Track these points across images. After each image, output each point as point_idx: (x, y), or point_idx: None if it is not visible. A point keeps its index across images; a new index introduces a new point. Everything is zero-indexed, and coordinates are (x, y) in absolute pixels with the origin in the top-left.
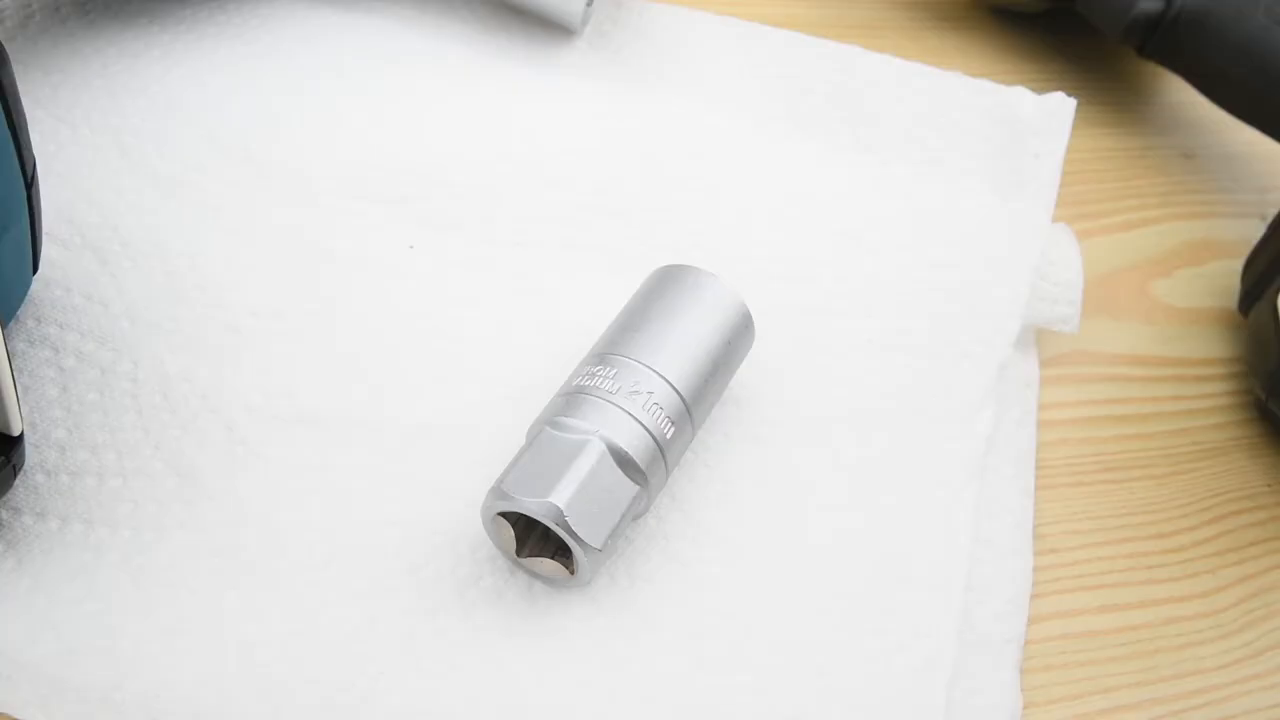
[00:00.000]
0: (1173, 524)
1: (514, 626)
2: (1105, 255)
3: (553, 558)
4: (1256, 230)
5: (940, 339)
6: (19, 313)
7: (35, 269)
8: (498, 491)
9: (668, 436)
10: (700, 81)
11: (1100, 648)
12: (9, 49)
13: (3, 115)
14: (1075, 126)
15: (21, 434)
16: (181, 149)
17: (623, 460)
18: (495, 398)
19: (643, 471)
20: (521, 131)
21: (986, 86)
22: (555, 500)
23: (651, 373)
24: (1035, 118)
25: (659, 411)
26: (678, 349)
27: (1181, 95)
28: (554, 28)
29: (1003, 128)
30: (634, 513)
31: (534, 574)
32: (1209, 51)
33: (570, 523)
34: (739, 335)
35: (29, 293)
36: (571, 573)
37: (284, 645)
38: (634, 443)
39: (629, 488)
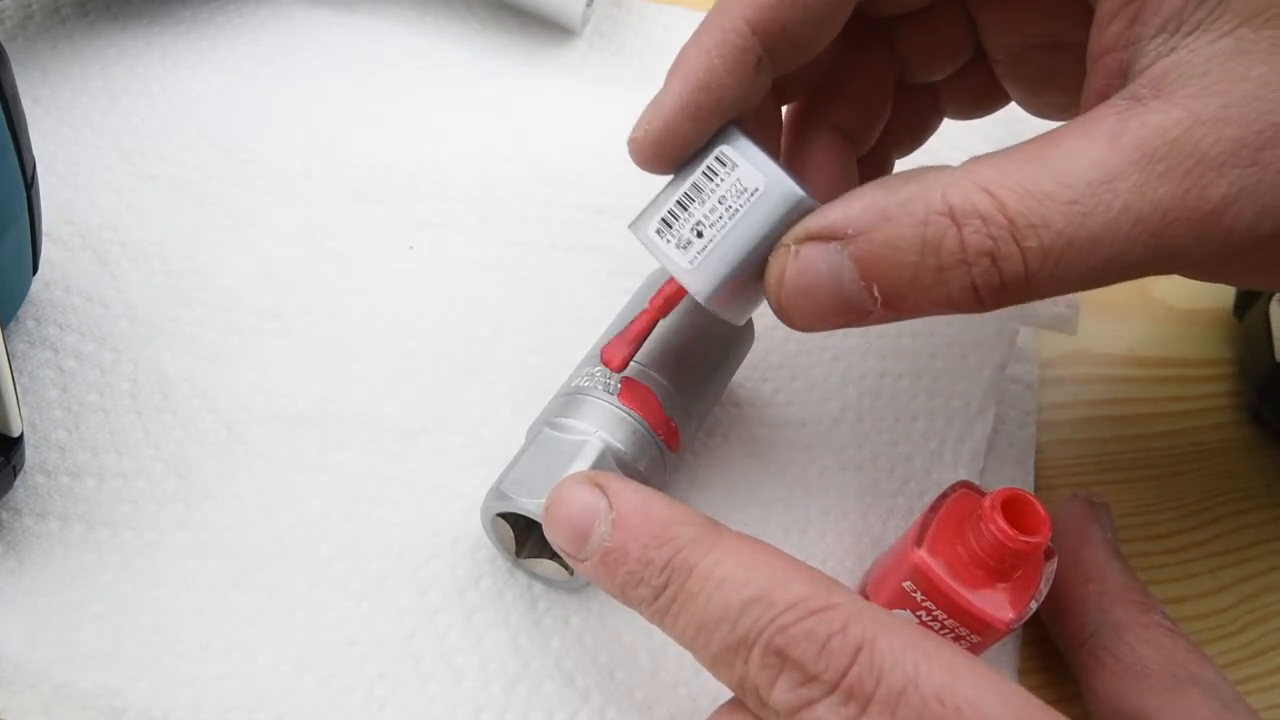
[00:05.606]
0: (1172, 525)
1: (514, 626)
2: None
3: (552, 558)
4: None
5: (940, 340)
6: (19, 313)
7: (35, 269)
8: (497, 492)
9: None
10: None
11: None
12: (9, 49)
13: (3, 115)
14: None
15: (21, 435)
16: (181, 149)
17: (622, 461)
18: (495, 398)
19: (642, 472)
20: (521, 131)
21: None
22: None
23: (651, 374)
24: (1035, 118)
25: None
26: (677, 350)
27: None
28: (554, 28)
29: (1002, 128)
30: None
31: (533, 574)
32: None
33: None
34: (738, 336)
35: (29, 293)
36: (571, 573)
37: (285, 647)
38: (633, 443)
39: None
